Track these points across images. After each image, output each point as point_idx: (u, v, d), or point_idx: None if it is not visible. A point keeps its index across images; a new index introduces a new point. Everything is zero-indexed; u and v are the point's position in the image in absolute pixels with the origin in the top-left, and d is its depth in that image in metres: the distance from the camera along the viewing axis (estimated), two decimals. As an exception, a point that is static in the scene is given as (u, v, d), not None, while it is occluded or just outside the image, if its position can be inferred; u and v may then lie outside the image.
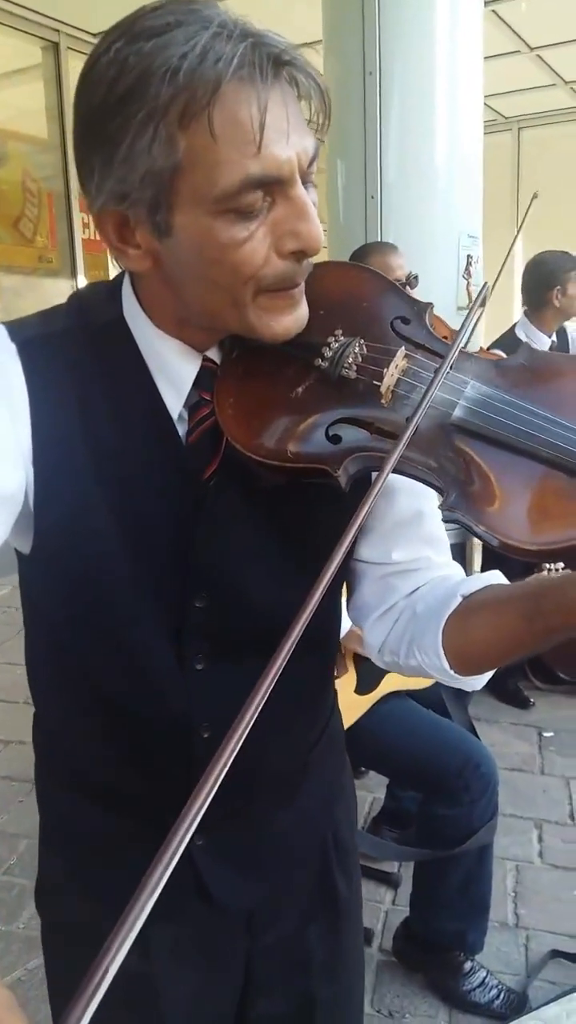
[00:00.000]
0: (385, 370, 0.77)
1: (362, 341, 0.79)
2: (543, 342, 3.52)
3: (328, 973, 1.07)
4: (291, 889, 1.04)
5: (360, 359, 0.78)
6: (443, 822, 1.99)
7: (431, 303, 0.84)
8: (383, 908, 2.36)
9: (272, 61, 0.66)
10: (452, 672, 0.90)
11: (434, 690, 2.25)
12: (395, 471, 0.75)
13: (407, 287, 2.79)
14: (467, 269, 3.16)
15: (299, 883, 1.05)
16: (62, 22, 5.22)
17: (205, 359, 0.82)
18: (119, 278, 0.84)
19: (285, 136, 0.67)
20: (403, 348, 0.79)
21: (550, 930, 2.29)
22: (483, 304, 0.84)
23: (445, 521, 0.77)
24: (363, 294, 0.85)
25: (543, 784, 2.98)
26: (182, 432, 0.83)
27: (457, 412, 0.75)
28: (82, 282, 5.54)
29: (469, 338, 0.79)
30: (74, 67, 5.43)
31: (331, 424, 0.77)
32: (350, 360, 0.78)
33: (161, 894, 1.00)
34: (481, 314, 0.83)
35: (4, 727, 3.37)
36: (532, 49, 5.62)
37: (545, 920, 2.33)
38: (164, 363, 0.81)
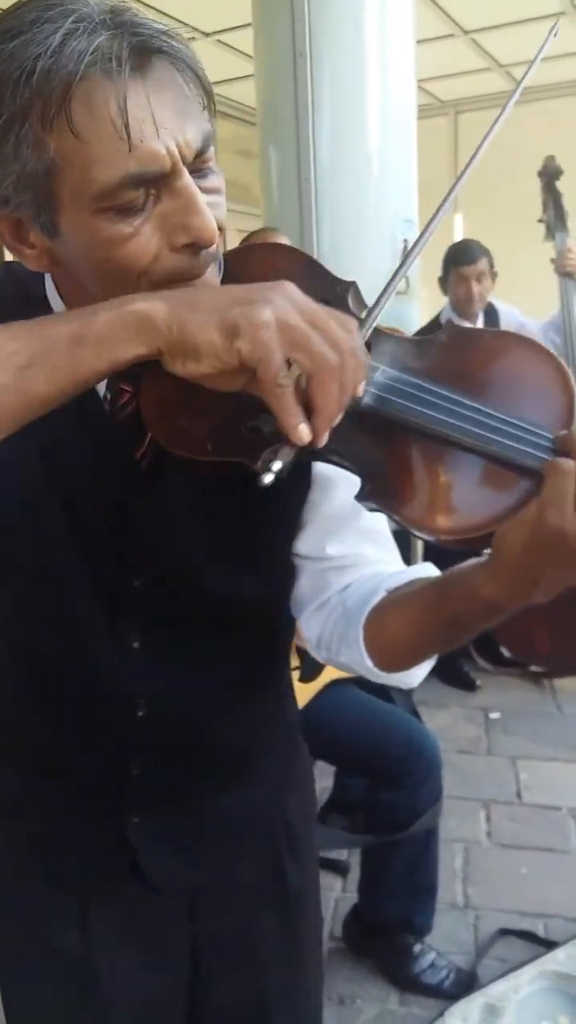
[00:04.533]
0: None
1: None
2: None
3: (281, 964, 1.07)
4: (237, 876, 1.03)
5: None
6: (388, 807, 1.99)
7: (354, 281, 0.81)
8: (333, 896, 2.36)
9: (134, 51, 0.64)
10: (375, 669, 0.88)
11: (378, 676, 2.24)
12: (318, 459, 0.75)
13: None
14: (403, 253, 3.15)
15: (246, 870, 1.04)
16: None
17: None
18: None
19: (159, 128, 0.65)
20: None
21: (499, 908, 2.31)
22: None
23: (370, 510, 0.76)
24: (284, 275, 0.80)
25: (490, 765, 3.01)
26: (109, 413, 0.82)
27: (366, 399, 0.72)
28: None
29: (378, 313, 0.75)
30: None
31: (253, 416, 0.74)
32: None
33: (94, 870, 0.99)
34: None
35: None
36: (466, 32, 5.62)
37: (494, 899, 2.35)
38: None
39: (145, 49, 0.65)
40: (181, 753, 0.94)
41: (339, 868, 2.43)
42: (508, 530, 0.67)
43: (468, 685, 3.53)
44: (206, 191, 0.71)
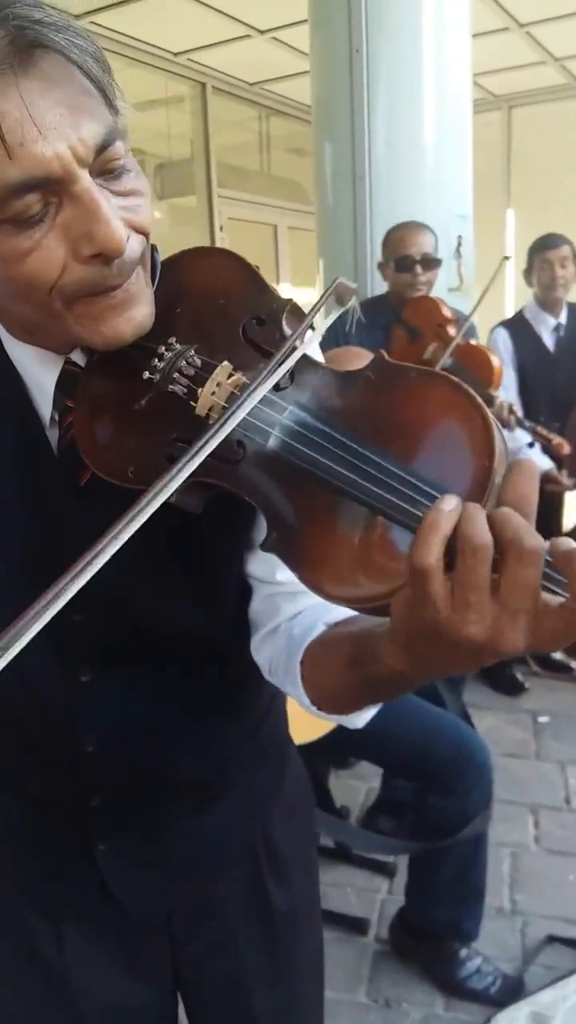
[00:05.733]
0: (200, 390, 0.68)
1: (192, 352, 0.70)
2: (547, 323, 3.48)
3: (270, 986, 1.04)
4: (212, 898, 1.01)
5: (192, 372, 0.70)
6: (437, 812, 1.97)
7: (291, 299, 0.74)
8: (379, 897, 2.35)
9: (14, 46, 0.59)
10: (314, 708, 0.80)
11: (427, 678, 2.22)
12: (233, 497, 0.69)
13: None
14: (457, 249, 3.12)
15: (222, 892, 1.01)
16: None
17: (68, 362, 0.77)
18: None
19: (44, 130, 0.59)
20: (226, 362, 0.69)
21: (546, 915, 2.28)
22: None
23: None
24: (221, 290, 0.75)
25: (538, 769, 2.97)
26: (56, 437, 0.78)
27: (271, 443, 0.67)
28: None
29: (287, 354, 0.68)
30: None
31: (169, 444, 0.69)
32: (177, 374, 0.70)
33: (63, 893, 0.97)
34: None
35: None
36: (522, 26, 5.54)
37: (541, 905, 2.32)
38: (24, 369, 0.77)
39: (28, 44, 0.59)
40: (141, 783, 0.91)
41: (386, 870, 2.42)
42: (393, 606, 0.59)
43: (516, 688, 3.49)
44: (120, 194, 0.65)
